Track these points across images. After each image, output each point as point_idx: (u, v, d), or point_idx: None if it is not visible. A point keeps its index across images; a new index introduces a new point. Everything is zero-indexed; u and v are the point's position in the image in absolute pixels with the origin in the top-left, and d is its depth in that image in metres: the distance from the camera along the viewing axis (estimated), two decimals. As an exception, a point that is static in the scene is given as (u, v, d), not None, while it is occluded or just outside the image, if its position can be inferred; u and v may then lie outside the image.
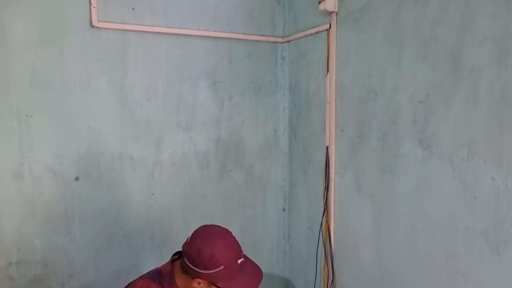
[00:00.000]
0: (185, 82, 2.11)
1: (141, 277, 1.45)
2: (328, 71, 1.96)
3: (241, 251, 1.33)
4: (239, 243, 1.35)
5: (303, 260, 2.21)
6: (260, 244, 2.35)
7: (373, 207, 1.73)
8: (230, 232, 1.37)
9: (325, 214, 1.99)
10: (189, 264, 1.29)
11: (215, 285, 1.28)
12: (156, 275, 1.42)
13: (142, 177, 2.05)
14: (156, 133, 2.06)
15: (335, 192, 1.96)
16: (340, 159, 1.92)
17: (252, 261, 1.38)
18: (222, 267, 1.25)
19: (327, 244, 1.99)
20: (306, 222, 2.20)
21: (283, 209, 2.39)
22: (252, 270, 1.34)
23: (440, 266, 1.43)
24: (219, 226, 1.38)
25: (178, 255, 1.39)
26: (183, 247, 1.33)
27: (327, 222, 1.99)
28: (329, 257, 1.98)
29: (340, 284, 1.94)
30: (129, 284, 1.42)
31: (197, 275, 1.29)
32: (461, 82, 1.35)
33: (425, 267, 1.49)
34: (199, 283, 1.30)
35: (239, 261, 1.30)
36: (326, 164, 1.99)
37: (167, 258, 1.41)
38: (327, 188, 1.99)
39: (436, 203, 1.45)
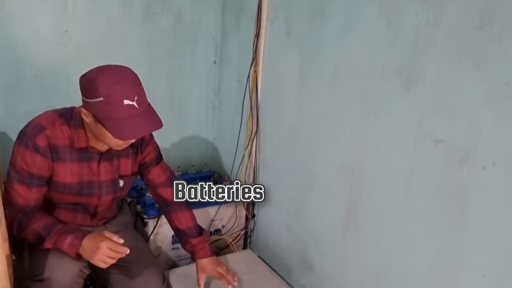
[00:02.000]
0: None
1: (50, 110, 1.37)
2: None
3: (136, 95, 1.19)
4: (142, 89, 1.22)
5: (231, 113, 2.19)
6: (188, 97, 2.28)
7: (300, 53, 1.67)
8: (133, 73, 1.23)
9: (254, 63, 1.92)
10: (81, 95, 1.23)
11: (99, 121, 1.21)
12: (66, 112, 1.35)
13: (53, 10, 1.83)
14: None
15: (265, 40, 1.86)
16: (273, 3, 1.79)
17: (152, 113, 1.25)
18: (102, 98, 1.15)
19: (254, 95, 1.95)
20: (235, 74, 2.13)
21: (214, 62, 2.28)
22: (145, 119, 1.22)
23: (355, 107, 1.44)
24: (123, 66, 1.25)
25: None
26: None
27: (255, 72, 1.92)
28: (254, 107, 1.96)
29: (263, 133, 1.95)
30: (37, 116, 1.34)
31: (83, 105, 1.23)
32: None
33: (342, 109, 1.50)
34: (86, 115, 1.24)
35: (126, 102, 1.16)
36: (258, 9, 1.86)
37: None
38: (257, 36, 1.88)
39: (359, 45, 1.40)
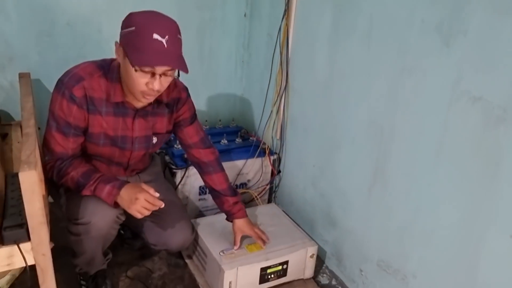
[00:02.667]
0: None
1: (89, 61, 1.36)
2: None
3: (168, 35, 1.15)
4: (178, 38, 1.20)
5: (260, 68, 2.16)
6: (217, 51, 2.26)
7: (335, 4, 1.61)
8: (174, 22, 1.20)
9: (286, 16, 1.87)
10: None
11: (126, 53, 1.19)
12: (105, 65, 1.34)
13: (84, -43, 1.81)
14: None
15: (298, -9, 1.81)
16: (308, -49, 1.71)
17: (180, 58, 1.21)
18: (133, 28, 1.15)
19: (284, 49, 1.91)
20: (266, 28, 2.08)
21: (244, 15, 2.24)
22: (170, 57, 1.18)
23: (389, 62, 1.39)
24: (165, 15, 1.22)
25: None
26: None
27: (287, 25, 1.88)
28: (284, 62, 1.92)
29: (292, 88, 1.93)
30: (76, 65, 1.34)
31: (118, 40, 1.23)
32: None
33: (376, 65, 1.46)
34: (118, 50, 1.24)
35: (156, 36, 1.14)
36: (292, -41, 1.79)
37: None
38: (290, -13, 1.82)
39: (398, -4, 1.34)
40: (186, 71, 1.19)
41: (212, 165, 1.61)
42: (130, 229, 1.79)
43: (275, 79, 2.00)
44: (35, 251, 1.12)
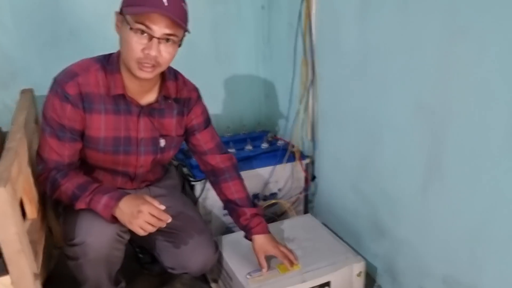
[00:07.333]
0: None
1: (88, 58, 1.22)
2: None
3: None
4: (182, 6, 1.09)
5: (283, 63, 1.92)
6: (235, 48, 2.05)
7: (361, -27, 1.37)
8: None
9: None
10: None
11: (122, 15, 1.08)
12: (103, 57, 1.20)
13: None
14: None
15: (317, -33, 1.57)
16: None
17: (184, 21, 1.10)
18: None
19: (307, 37, 1.67)
20: (286, 17, 1.85)
21: (262, 7, 2.02)
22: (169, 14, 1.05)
23: (436, 26, 1.12)
24: None
25: None
26: None
27: (308, 8, 1.64)
28: (309, 52, 1.68)
29: (321, 79, 1.68)
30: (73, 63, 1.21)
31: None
32: None
33: (418, 32, 1.18)
34: (116, 13, 1.12)
35: None
36: None
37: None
38: (308, -36, 1.59)
39: None
40: (185, 28, 1.09)
41: (229, 171, 1.40)
42: (149, 253, 1.59)
43: (300, 72, 1.76)
44: (16, 285, 0.94)
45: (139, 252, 1.62)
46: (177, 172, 1.68)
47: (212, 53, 2.00)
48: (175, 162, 1.75)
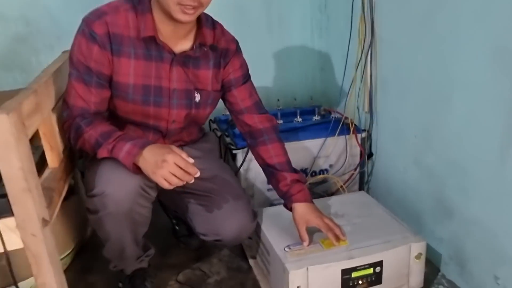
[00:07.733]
0: None
1: None
2: None
3: None
4: None
5: (341, 33, 1.74)
6: (288, 17, 1.91)
7: None
8: None
9: None
10: None
11: None
12: None
13: None
14: None
15: None
16: None
17: None
18: None
19: (366, -5, 1.49)
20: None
21: (318, -30, 1.87)
22: None
23: None
24: None
25: None
26: None
27: (367, -40, 1.46)
28: (367, 8, 1.49)
29: (381, 40, 1.49)
30: None
31: None
32: None
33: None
34: None
35: None
36: None
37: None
38: None
39: None
40: None
41: (268, 133, 1.26)
42: (186, 224, 1.48)
43: (358, 34, 1.57)
44: (21, 229, 0.86)
45: (176, 223, 1.53)
46: (219, 141, 1.58)
47: (263, 20, 1.88)
48: (218, 133, 1.65)
